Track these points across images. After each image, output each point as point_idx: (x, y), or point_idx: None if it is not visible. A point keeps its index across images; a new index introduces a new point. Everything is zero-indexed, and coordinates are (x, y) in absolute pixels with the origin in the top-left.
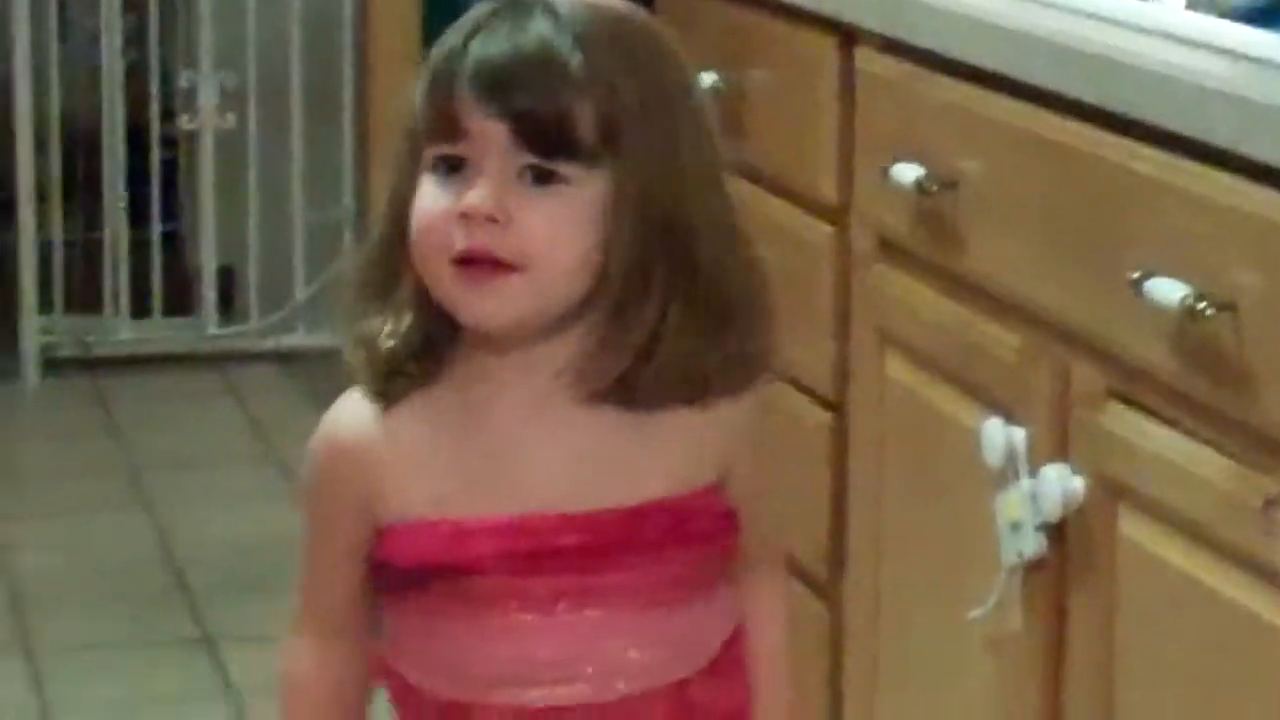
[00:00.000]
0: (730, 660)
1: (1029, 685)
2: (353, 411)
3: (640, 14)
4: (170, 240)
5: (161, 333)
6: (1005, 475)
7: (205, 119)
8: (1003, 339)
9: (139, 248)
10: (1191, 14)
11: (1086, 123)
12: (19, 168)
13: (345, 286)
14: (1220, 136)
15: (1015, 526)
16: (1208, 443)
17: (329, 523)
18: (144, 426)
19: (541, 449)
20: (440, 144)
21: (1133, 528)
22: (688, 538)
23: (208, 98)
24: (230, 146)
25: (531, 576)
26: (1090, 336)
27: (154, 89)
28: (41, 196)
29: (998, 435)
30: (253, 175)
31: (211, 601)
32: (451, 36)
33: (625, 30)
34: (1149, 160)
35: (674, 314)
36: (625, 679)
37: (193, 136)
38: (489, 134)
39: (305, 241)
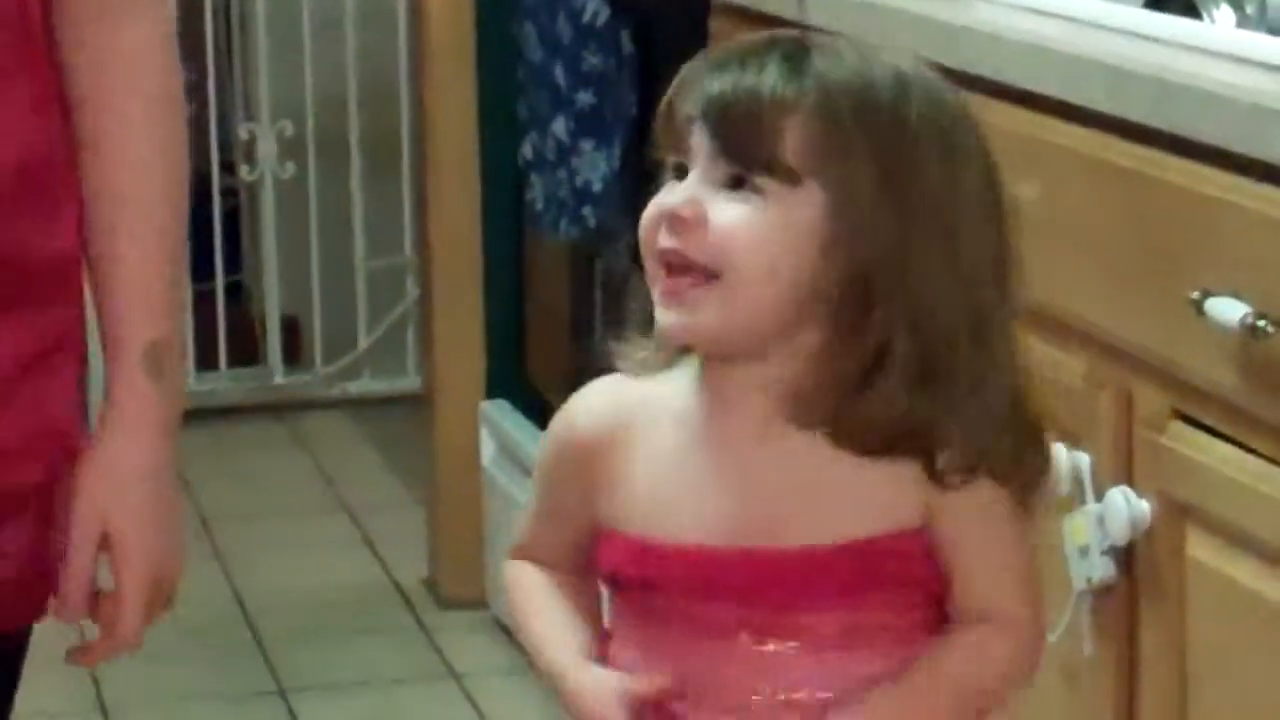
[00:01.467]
0: None
1: (1102, 711)
2: (593, 402)
3: (920, 79)
4: (234, 291)
5: (227, 384)
6: (1071, 500)
7: (265, 169)
8: (1065, 364)
9: (203, 299)
10: (1244, 32)
11: (1143, 144)
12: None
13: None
14: (1276, 154)
15: (1083, 551)
16: (1273, 460)
17: (551, 494)
18: (212, 478)
19: (751, 476)
20: (668, 151)
21: (1201, 549)
22: (880, 580)
23: (267, 148)
24: (291, 196)
25: (717, 601)
26: (1152, 358)
27: (213, 141)
28: None
29: (1062, 460)
30: (314, 224)
31: (285, 652)
32: (702, 67)
33: (879, 79)
34: (1206, 180)
35: (894, 359)
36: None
37: (253, 187)
38: (699, 144)
39: (367, 289)
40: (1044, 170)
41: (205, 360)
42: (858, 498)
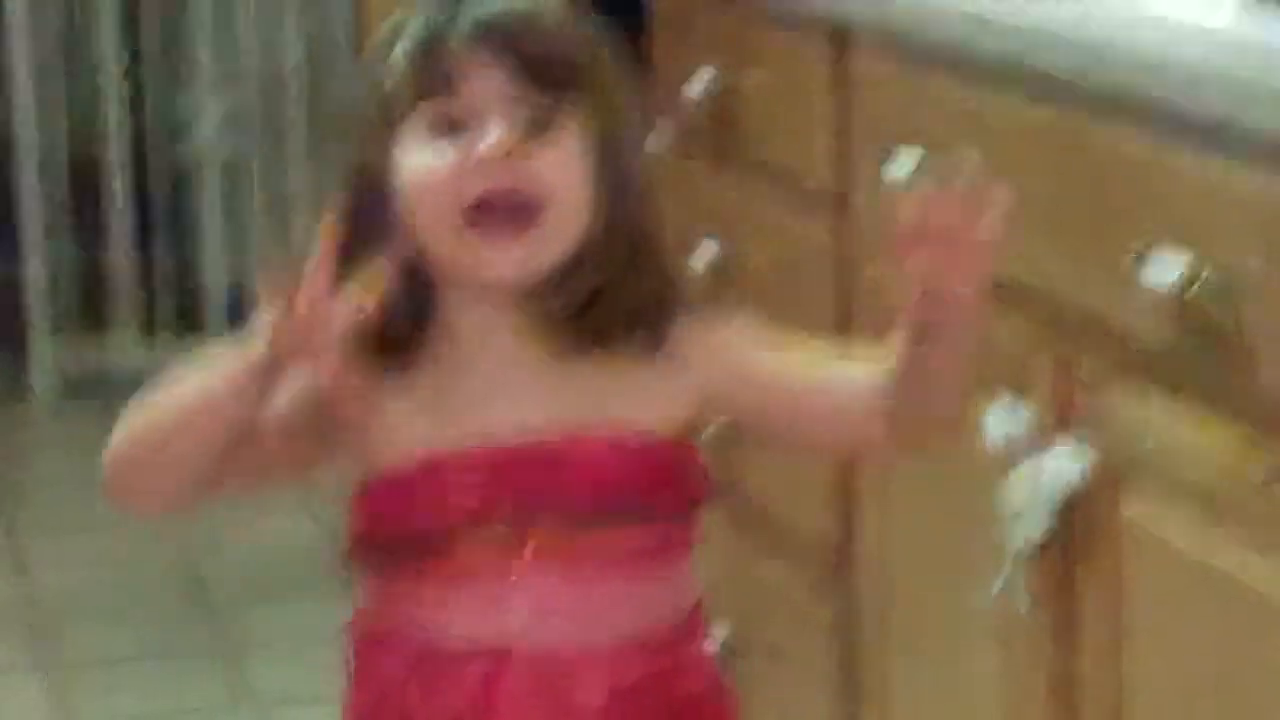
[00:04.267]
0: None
1: (1038, 669)
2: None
3: None
4: (178, 261)
5: (171, 352)
6: (1009, 459)
7: (206, 141)
8: (1005, 324)
9: (147, 269)
10: None
11: (1079, 107)
12: (25, 194)
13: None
14: (1212, 114)
15: (1020, 511)
16: (1209, 419)
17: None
18: None
19: (512, 401)
20: (434, 99)
21: (1137, 507)
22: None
23: (209, 121)
24: (233, 167)
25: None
26: (1091, 318)
27: (155, 113)
28: (49, 222)
29: (1001, 420)
30: (255, 196)
31: (232, 613)
32: (428, 8)
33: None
34: (1142, 142)
35: (620, 259)
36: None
37: (195, 158)
38: (488, 80)
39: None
40: (982, 135)
41: (149, 329)
42: (619, 408)
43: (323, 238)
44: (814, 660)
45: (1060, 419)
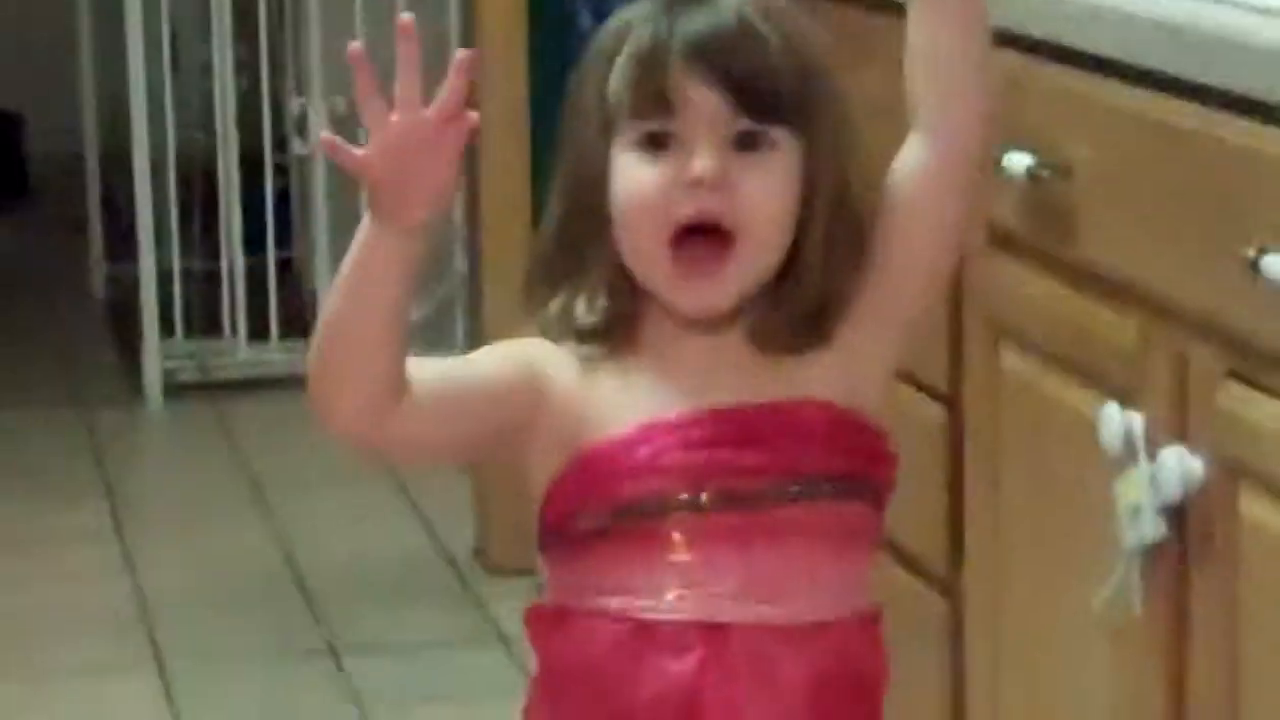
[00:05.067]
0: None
1: (1152, 670)
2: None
3: None
4: (286, 265)
5: (279, 355)
6: (1124, 460)
7: (317, 144)
8: (1118, 324)
9: (255, 273)
10: None
11: (1198, 103)
12: (137, 197)
13: (526, 268)
14: None
15: (1135, 511)
16: None
17: (486, 366)
18: (264, 446)
19: (717, 380)
20: (650, 119)
21: (1254, 508)
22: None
23: (318, 123)
24: (342, 171)
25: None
26: (1207, 317)
27: (266, 116)
28: (159, 225)
29: (1115, 420)
30: (364, 198)
31: (334, 614)
32: (648, 21)
33: (789, 9)
34: (1262, 137)
35: (842, 268)
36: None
37: (305, 162)
38: (703, 103)
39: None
40: (1098, 130)
41: (257, 332)
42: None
43: (402, 52)
44: (923, 663)
45: (1176, 418)
